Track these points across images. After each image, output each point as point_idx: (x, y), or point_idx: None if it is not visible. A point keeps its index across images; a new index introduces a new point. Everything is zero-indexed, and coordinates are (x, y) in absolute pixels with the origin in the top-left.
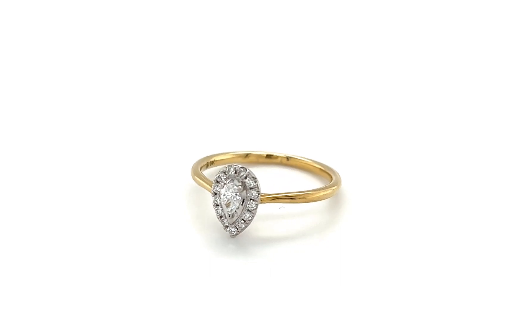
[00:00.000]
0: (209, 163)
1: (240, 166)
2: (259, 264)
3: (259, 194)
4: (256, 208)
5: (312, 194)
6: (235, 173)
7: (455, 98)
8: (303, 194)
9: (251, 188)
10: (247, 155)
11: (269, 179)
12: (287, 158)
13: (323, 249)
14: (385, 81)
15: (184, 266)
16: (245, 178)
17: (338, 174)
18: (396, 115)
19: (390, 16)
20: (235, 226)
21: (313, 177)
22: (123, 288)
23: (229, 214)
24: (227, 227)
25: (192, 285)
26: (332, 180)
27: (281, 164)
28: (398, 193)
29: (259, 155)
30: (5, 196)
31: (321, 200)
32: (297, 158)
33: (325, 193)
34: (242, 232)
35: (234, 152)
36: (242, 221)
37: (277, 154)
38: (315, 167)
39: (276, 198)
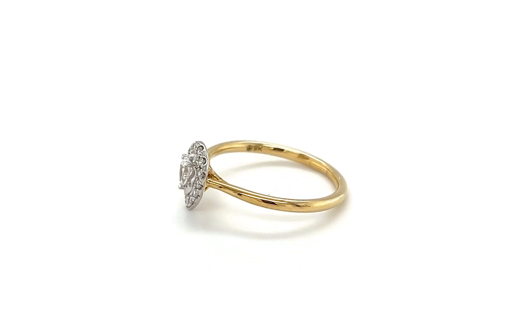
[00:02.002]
0: (218, 150)
1: (200, 144)
2: (257, 264)
3: (204, 175)
4: (201, 188)
5: (283, 204)
6: (196, 149)
7: (468, 106)
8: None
9: (199, 167)
10: (256, 146)
11: (266, 172)
12: (298, 155)
13: (322, 249)
14: (409, 91)
15: (183, 266)
16: (199, 158)
17: (345, 182)
18: (412, 124)
19: (406, 16)
20: (189, 199)
21: (317, 179)
22: (120, 284)
23: (182, 185)
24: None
25: (191, 285)
26: (337, 188)
27: (291, 159)
28: (402, 199)
29: (269, 148)
30: None
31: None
32: (308, 156)
33: (310, 206)
34: (244, 229)
35: (243, 141)
36: (193, 196)
37: (288, 149)
38: (325, 168)
39: (223, 187)
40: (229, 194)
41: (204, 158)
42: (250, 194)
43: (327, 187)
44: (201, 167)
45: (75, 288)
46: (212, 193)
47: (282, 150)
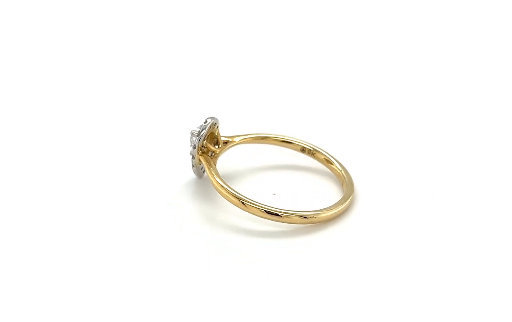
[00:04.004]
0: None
1: (206, 118)
2: (257, 264)
3: (195, 147)
4: (193, 159)
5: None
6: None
7: (480, 109)
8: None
9: (194, 138)
10: (263, 138)
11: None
12: (309, 150)
13: (322, 249)
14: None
15: (183, 265)
16: (199, 130)
17: (354, 185)
18: (422, 125)
19: (417, 11)
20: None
21: (322, 179)
22: (119, 285)
23: (191, 152)
24: None
25: (191, 285)
26: (343, 192)
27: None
28: (404, 200)
29: (276, 140)
30: None
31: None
32: (318, 151)
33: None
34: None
35: (250, 134)
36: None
37: (297, 143)
38: (335, 167)
39: (209, 168)
40: (232, 202)
41: (199, 131)
42: (253, 204)
43: (332, 187)
44: (195, 138)
45: (68, 286)
46: (212, 193)
47: (290, 143)
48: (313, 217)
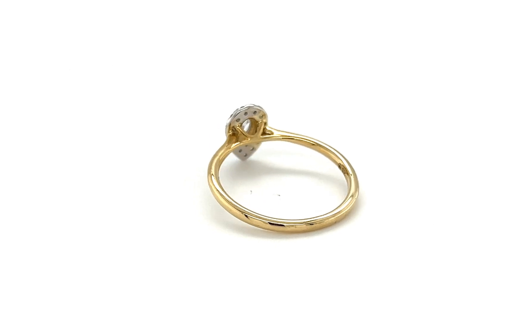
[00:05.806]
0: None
1: (250, 104)
2: (257, 264)
3: (226, 125)
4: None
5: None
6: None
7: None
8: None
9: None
10: (300, 140)
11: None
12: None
13: (323, 249)
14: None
15: (181, 265)
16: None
17: (357, 182)
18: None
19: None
20: None
21: (333, 184)
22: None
23: None
24: None
25: (191, 285)
26: (348, 192)
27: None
28: (411, 200)
29: (315, 144)
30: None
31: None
32: (322, 146)
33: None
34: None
35: (291, 133)
36: None
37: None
38: (337, 160)
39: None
40: (234, 214)
41: (231, 113)
42: (256, 217)
43: (336, 186)
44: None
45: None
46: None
47: (294, 138)
48: (321, 222)
